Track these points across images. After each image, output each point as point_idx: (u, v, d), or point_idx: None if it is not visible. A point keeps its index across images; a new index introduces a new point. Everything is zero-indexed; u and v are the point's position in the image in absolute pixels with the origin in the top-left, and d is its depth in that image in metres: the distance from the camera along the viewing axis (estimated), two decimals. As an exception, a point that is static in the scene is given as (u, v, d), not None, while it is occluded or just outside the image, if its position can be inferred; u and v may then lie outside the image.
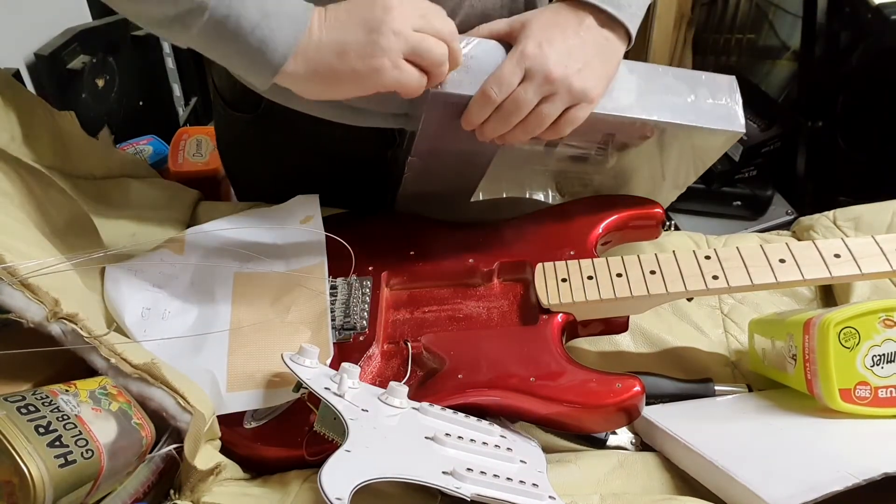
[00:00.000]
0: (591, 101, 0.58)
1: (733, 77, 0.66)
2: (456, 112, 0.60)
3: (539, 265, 0.64)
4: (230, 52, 0.54)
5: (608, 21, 0.57)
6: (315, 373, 0.54)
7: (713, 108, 0.64)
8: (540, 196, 0.82)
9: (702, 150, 0.69)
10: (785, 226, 1.20)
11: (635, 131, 0.66)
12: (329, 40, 0.54)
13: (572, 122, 0.58)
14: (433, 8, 0.56)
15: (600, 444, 0.60)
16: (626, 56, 0.63)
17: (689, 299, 0.68)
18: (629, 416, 0.55)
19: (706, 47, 1.59)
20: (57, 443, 0.43)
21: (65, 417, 0.45)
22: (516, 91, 0.55)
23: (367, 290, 0.66)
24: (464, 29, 0.61)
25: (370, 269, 0.68)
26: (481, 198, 0.79)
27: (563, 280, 0.62)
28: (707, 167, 0.72)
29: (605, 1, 0.57)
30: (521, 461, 0.51)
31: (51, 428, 0.43)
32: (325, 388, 0.52)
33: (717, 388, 0.64)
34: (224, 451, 0.55)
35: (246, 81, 0.58)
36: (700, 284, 0.60)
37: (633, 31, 0.60)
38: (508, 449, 0.52)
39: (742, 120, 0.64)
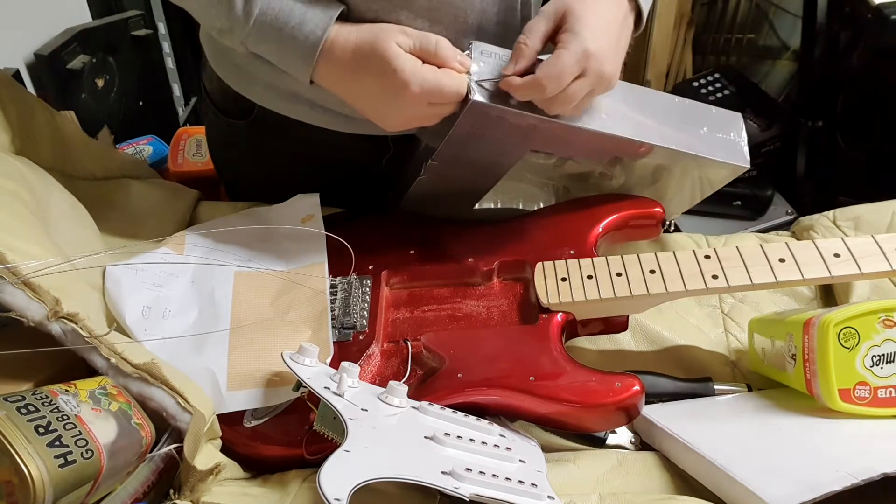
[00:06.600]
0: (613, 86, 0.60)
1: (739, 114, 0.70)
2: (490, 122, 0.60)
3: (539, 264, 0.64)
4: (274, 46, 0.59)
5: (635, 9, 0.59)
6: (315, 372, 0.55)
7: (722, 141, 0.67)
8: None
9: (704, 181, 0.71)
10: (785, 226, 1.20)
11: (645, 156, 0.67)
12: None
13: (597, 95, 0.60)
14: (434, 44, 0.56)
15: (599, 443, 0.60)
16: (628, 57, 0.63)
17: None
18: (628, 415, 0.55)
19: (706, 47, 1.59)
20: (57, 443, 0.43)
21: (65, 417, 0.45)
22: (572, 86, 0.55)
23: (367, 289, 0.66)
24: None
25: (370, 268, 0.68)
26: (477, 206, 0.79)
27: (563, 279, 0.62)
28: (703, 197, 0.74)
29: None
30: (521, 461, 0.51)
31: (51, 428, 0.44)
32: (325, 388, 0.52)
33: (716, 387, 0.64)
34: (224, 449, 0.55)
35: (291, 75, 0.61)
36: (700, 284, 0.60)
37: (643, 22, 0.62)
38: (507, 448, 0.52)
39: (748, 156, 0.67)
